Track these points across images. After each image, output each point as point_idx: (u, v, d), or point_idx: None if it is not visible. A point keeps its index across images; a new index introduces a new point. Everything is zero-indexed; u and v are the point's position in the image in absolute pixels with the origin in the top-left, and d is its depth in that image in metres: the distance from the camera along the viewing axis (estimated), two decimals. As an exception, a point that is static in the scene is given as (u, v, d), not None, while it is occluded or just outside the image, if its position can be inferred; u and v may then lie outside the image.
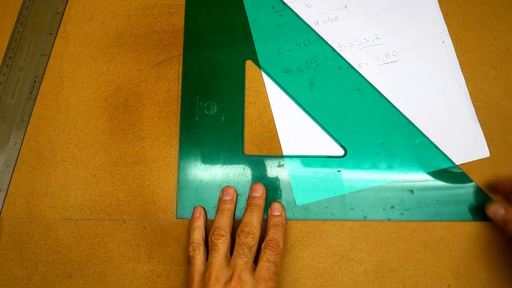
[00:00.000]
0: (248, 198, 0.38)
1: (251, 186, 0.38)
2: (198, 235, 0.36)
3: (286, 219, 0.38)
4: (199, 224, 0.37)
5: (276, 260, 0.34)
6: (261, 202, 0.37)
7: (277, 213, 0.37)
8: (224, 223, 0.36)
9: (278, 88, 0.40)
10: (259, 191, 0.38)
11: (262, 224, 0.36)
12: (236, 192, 0.38)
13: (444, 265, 0.37)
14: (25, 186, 0.39)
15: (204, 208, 0.38)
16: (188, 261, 0.36)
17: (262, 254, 0.34)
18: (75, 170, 0.39)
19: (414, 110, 0.39)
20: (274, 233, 0.35)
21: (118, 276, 0.38)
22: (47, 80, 0.41)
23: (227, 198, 0.38)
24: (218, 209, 0.37)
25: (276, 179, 0.39)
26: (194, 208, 0.38)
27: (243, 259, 0.33)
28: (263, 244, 0.35)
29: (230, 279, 0.32)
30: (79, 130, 0.40)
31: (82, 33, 0.42)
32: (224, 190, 0.38)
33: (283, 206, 0.38)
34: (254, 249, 0.34)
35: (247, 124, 0.40)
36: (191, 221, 0.37)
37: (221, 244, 0.34)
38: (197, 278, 0.34)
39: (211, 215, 0.38)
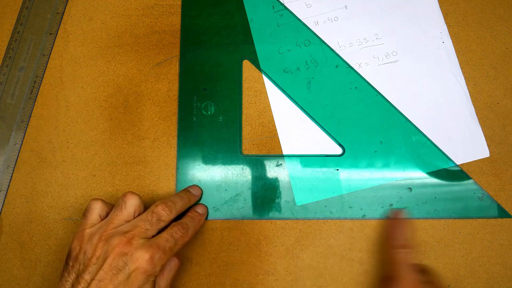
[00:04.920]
0: (182, 190, 0.37)
1: (190, 186, 0.38)
2: (105, 204, 0.33)
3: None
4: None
5: (178, 241, 0.31)
6: (192, 198, 0.36)
7: (199, 211, 0.36)
8: (170, 198, 0.34)
9: (278, 88, 0.40)
10: (196, 191, 0.37)
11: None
12: (201, 195, 0.38)
13: (444, 265, 0.37)
14: (25, 186, 0.39)
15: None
16: (83, 213, 0.32)
17: (168, 228, 0.32)
18: (75, 170, 0.40)
19: (414, 110, 0.39)
20: (189, 221, 0.34)
21: (118, 276, 0.38)
22: (47, 80, 0.41)
23: (192, 191, 0.37)
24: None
25: (275, 179, 0.39)
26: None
27: (146, 225, 0.31)
28: (173, 223, 0.33)
29: (121, 235, 0.30)
30: (79, 130, 0.40)
31: (82, 33, 0.42)
32: (194, 186, 0.38)
33: (207, 210, 0.38)
34: (161, 225, 0.32)
35: (247, 124, 0.40)
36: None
37: (130, 206, 0.31)
38: (88, 230, 0.31)
39: (209, 216, 0.38)
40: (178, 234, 0.32)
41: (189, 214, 0.35)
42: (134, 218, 0.32)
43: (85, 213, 0.32)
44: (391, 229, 0.35)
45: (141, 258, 0.29)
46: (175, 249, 0.31)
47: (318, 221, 0.38)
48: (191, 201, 0.36)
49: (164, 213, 0.32)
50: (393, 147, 0.39)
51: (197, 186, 0.38)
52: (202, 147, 0.39)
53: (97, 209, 0.32)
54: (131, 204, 0.32)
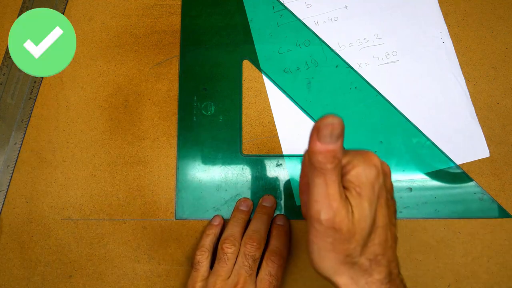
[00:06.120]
0: (257, 206, 0.37)
1: (262, 197, 0.38)
2: (210, 242, 0.36)
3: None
4: (215, 232, 0.36)
5: (278, 273, 0.34)
6: (271, 213, 0.37)
7: (280, 223, 0.37)
8: (237, 232, 0.35)
9: (278, 88, 0.40)
10: (270, 202, 0.37)
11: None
12: (253, 206, 0.38)
13: (444, 265, 0.37)
14: (25, 186, 0.39)
15: (223, 218, 0.38)
16: (192, 265, 0.35)
17: (264, 265, 0.34)
18: (75, 170, 0.40)
19: (414, 110, 0.39)
20: (277, 242, 0.35)
21: (118, 276, 0.38)
22: (47, 80, 0.41)
23: (244, 209, 0.37)
24: (233, 217, 0.37)
25: (275, 179, 0.39)
26: (214, 215, 0.38)
27: (247, 271, 0.33)
28: (266, 253, 0.34)
29: None
30: (79, 130, 0.40)
31: (82, 33, 0.42)
32: (242, 200, 0.38)
33: (287, 218, 0.38)
34: (258, 260, 0.34)
35: (247, 124, 0.40)
36: (207, 226, 0.37)
37: (231, 254, 0.34)
38: (199, 284, 0.33)
39: (209, 216, 0.38)
40: (275, 269, 0.34)
41: (273, 233, 0.36)
42: (234, 265, 0.34)
43: (194, 265, 0.34)
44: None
45: None
46: (278, 284, 0.34)
47: (318, 221, 0.38)
48: (270, 216, 0.37)
49: (253, 249, 0.34)
50: (393, 147, 0.39)
51: (269, 195, 0.38)
52: (202, 147, 0.39)
53: (208, 262, 0.35)
54: (232, 253, 0.34)
